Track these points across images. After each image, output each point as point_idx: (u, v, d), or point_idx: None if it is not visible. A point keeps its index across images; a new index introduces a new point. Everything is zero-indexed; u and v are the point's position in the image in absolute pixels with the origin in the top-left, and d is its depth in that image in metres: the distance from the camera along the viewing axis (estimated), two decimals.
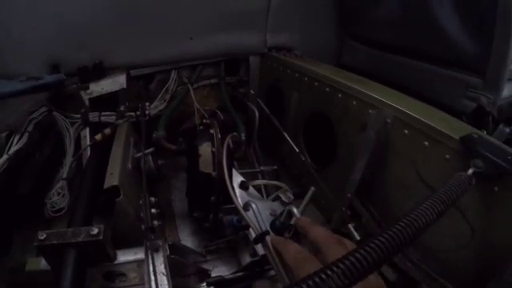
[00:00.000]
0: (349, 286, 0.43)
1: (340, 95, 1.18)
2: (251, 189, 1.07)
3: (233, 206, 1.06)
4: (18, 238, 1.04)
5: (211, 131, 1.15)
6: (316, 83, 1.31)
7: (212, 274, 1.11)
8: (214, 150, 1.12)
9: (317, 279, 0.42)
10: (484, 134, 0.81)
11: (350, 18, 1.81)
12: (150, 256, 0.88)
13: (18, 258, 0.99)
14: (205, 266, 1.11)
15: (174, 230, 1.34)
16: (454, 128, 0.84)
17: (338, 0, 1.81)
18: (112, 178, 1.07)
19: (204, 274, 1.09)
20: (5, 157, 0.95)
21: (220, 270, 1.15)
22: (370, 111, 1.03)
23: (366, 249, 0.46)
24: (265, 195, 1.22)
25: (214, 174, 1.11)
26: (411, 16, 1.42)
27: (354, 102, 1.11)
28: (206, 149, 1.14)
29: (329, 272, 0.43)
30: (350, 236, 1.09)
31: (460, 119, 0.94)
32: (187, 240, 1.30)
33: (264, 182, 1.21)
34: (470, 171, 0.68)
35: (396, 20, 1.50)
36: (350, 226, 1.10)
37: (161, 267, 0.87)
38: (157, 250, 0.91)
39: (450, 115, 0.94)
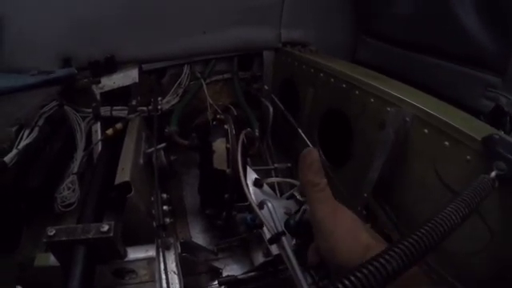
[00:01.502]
0: None
1: (357, 92, 1.14)
2: (265, 186, 1.05)
3: (246, 203, 1.04)
4: (27, 232, 1.03)
5: (225, 127, 1.12)
6: (332, 79, 1.28)
7: (223, 272, 1.09)
8: (228, 146, 1.10)
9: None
10: (504, 135, 0.78)
11: (365, 14, 1.78)
12: (161, 254, 0.86)
13: (28, 252, 0.98)
14: (216, 265, 1.09)
15: (185, 226, 1.33)
16: (476, 128, 0.81)
17: None
18: (123, 174, 1.05)
19: (215, 273, 1.07)
20: (14, 151, 0.93)
21: (232, 269, 1.13)
22: (389, 109, 1.00)
23: (390, 253, 0.44)
24: (278, 193, 1.20)
25: (228, 170, 1.09)
26: (429, 12, 1.38)
27: (372, 100, 1.08)
28: (220, 145, 1.12)
29: (358, 274, 0.41)
30: None
31: (478, 119, 0.90)
32: (198, 237, 1.29)
33: (278, 179, 1.19)
34: (493, 174, 0.65)
35: (413, 16, 1.46)
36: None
37: (172, 266, 0.86)
38: (168, 248, 0.89)
39: (470, 115, 0.91)
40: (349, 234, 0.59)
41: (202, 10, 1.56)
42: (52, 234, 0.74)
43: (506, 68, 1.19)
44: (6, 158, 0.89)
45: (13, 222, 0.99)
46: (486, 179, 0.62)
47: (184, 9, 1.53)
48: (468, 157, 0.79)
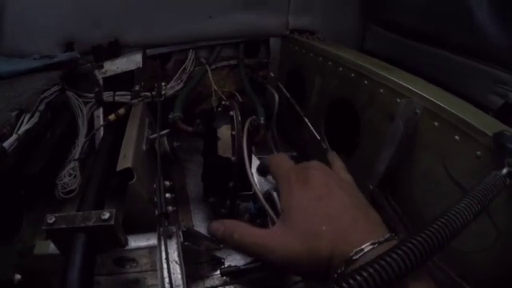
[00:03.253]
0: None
1: (366, 82, 1.12)
2: (270, 175, 1.03)
3: (251, 192, 1.03)
4: (27, 219, 1.02)
5: (231, 113, 1.10)
6: (340, 68, 1.26)
7: (226, 262, 1.08)
8: (233, 133, 1.08)
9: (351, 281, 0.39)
10: None
11: (374, 3, 1.75)
12: (162, 243, 0.85)
13: (27, 240, 0.98)
14: (218, 254, 1.08)
15: (187, 214, 1.32)
16: (487, 124, 0.79)
17: None
18: (125, 160, 1.04)
19: (218, 263, 1.06)
20: (14, 136, 0.92)
21: (234, 259, 1.12)
22: (399, 100, 0.98)
23: (403, 249, 0.43)
24: None
25: (233, 158, 1.07)
26: (440, 3, 1.35)
27: (381, 90, 1.06)
28: (225, 131, 1.10)
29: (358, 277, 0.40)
30: None
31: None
32: (201, 226, 1.28)
33: None
34: (505, 171, 0.64)
35: (423, 6, 1.43)
36: None
37: (174, 255, 0.84)
38: (170, 237, 0.87)
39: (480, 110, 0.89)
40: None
41: None
42: (52, 221, 0.73)
43: None
44: (6, 144, 0.88)
45: (12, 208, 0.98)
46: (497, 176, 0.61)
47: None
48: (478, 152, 0.77)
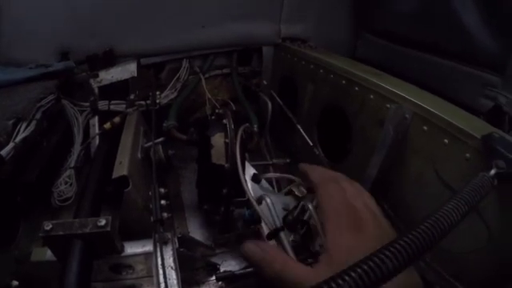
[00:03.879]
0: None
1: (357, 88, 1.14)
2: (263, 182, 1.04)
3: (244, 199, 1.03)
4: (24, 226, 1.02)
5: (224, 121, 1.12)
6: (332, 75, 1.28)
7: (221, 268, 1.09)
8: (227, 140, 1.09)
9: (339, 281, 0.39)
10: (503, 133, 0.77)
11: (366, 11, 1.77)
12: (158, 249, 0.86)
13: (24, 247, 0.98)
14: (214, 260, 1.09)
15: (183, 221, 1.33)
16: (476, 127, 0.80)
17: None
18: (121, 168, 1.04)
19: (213, 268, 1.07)
20: (11, 144, 0.92)
21: (229, 264, 1.13)
22: (388, 106, 0.99)
23: (390, 249, 0.43)
24: (276, 189, 1.19)
25: (226, 165, 1.08)
26: (430, 9, 1.37)
27: (372, 96, 1.08)
28: (218, 139, 1.11)
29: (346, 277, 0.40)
30: None
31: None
32: (196, 232, 1.28)
33: (277, 175, 1.18)
34: (493, 172, 0.65)
35: (412, 13, 1.45)
36: None
37: (169, 261, 0.85)
38: (166, 243, 0.88)
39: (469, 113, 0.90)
40: None
41: (201, 4, 1.55)
42: (49, 228, 0.73)
43: (505, 67, 1.17)
44: (3, 152, 0.88)
45: (9, 216, 0.98)
46: (485, 177, 0.62)
47: (183, 3, 1.52)
48: (467, 155, 0.79)
